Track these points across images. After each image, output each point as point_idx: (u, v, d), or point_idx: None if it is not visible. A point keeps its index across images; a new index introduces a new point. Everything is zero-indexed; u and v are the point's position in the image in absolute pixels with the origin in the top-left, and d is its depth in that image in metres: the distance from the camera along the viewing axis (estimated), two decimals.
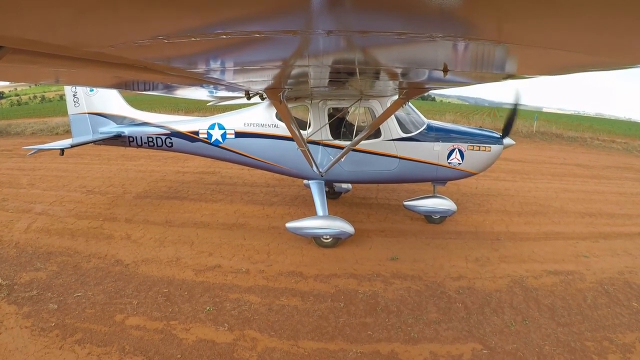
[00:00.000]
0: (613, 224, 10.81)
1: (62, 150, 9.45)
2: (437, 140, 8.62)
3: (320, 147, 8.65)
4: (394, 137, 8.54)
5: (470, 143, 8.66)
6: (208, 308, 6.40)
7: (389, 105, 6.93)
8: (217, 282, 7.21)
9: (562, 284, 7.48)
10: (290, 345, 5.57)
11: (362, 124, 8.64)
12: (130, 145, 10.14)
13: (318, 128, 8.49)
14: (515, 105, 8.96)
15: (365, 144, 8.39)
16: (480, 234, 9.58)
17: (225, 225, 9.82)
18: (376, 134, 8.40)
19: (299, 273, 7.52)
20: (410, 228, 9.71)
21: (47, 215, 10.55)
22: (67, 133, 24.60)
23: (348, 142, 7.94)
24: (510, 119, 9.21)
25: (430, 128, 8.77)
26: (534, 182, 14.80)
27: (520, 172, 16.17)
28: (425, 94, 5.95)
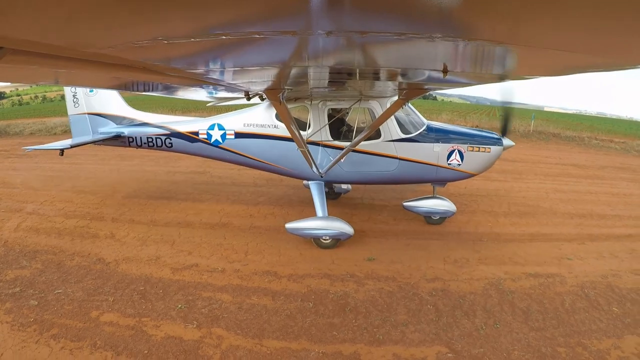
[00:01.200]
0: (602, 225, 10.76)
1: (62, 150, 9.46)
2: (436, 141, 8.62)
3: (320, 147, 8.65)
4: (394, 138, 8.54)
5: (470, 144, 8.67)
6: (180, 306, 6.51)
7: (388, 106, 6.93)
8: (192, 280, 7.32)
9: (540, 287, 7.40)
10: (254, 343, 5.66)
11: (361, 125, 8.64)
12: (130, 146, 10.15)
13: (318, 129, 8.49)
14: (509, 104, 8.98)
15: (365, 145, 8.39)
16: (463, 234, 9.56)
17: (208, 225, 9.94)
18: (376, 134, 8.40)
19: (273, 273, 7.60)
20: (392, 229, 9.73)
21: (37, 215, 10.66)
22: (65, 133, 25.05)
23: (348, 143, 7.94)
24: (506, 119, 9.23)
25: (430, 129, 8.77)
26: (526, 182, 14.75)
27: (512, 172, 16.13)
28: (426, 93, 5.94)
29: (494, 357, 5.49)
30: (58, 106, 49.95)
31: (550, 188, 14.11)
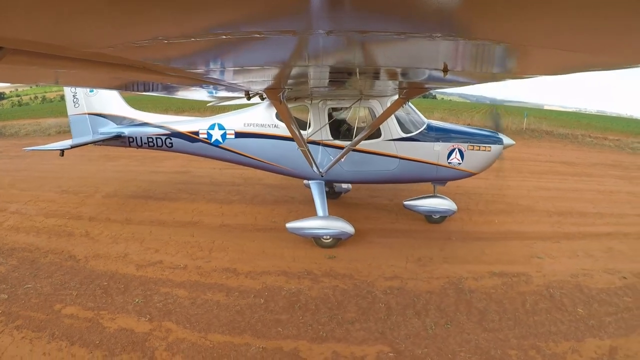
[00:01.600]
0: (582, 223, 10.72)
1: (62, 151, 9.47)
2: (437, 140, 8.63)
3: (320, 147, 8.65)
4: (394, 137, 8.54)
5: (470, 143, 8.67)
6: (137, 300, 6.75)
7: (389, 105, 6.93)
8: (154, 276, 7.52)
9: (503, 286, 7.31)
10: (199, 337, 5.82)
11: (362, 124, 8.65)
12: (130, 146, 10.15)
13: (318, 128, 8.49)
14: (498, 103, 9.03)
15: (365, 144, 8.39)
16: (432, 232, 9.55)
17: (180, 223, 10.16)
18: (376, 133, 8.40)
19: (233, 269, 7.76)
20: (361, 227, 9.58)
21: (19, 214, 10.90)
22: (59, 134, 25.44)
23: (348, 142, 7.94)
24: (495, 116, 9.27)
25: (430, 128, 8.78)
26: (509, 180, 14.50)
27: (496, 170, 15.81)
28: (426, 92, 5.95)
29: (438, 358, 5.44)
30: (56, 106, 50.00)
31: (533, 186, 14.03)
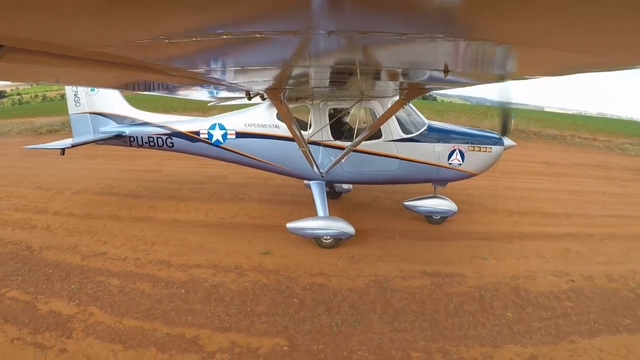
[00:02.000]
0: (543, 223, 10.49)
1: (63, 149, 9.48)
2: (437, 140, 8.62)
3: (321, 147, 8.65)
4: (395, 138, 8.54)
5: (471, 144, 8.67)
6: (73, 287, 7.17)
7: (389, 105, 6.93)
8: (95, 266, 7.90)
9: (432, 286, 7.17)
10: (115, 321, 6.19)
11: (362, 125, 8.65)
12: (131, 145, 10.15)
13: (319, 128, 8.49)
14: (507, 104, 8.98)
15: (366, 145, 8.38)
16: (377, 231, 9.52)
17: (134, 218, 10.44)
18: (377, 134, 8.39)
19: (167, 262, 8.03)
20: None
21: None
22: (50, 133, 25.71)
23: (349, 143, 7.94)
24: (504, 118, 9.23)
25: (430, 129, 8.77)
26: (478, 179, 14.05)
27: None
28: (427, 94, 5.94)
29: (332, 355, 5.43)
30: (55, 105, 50.13)
31: (503, 185, 13.68)
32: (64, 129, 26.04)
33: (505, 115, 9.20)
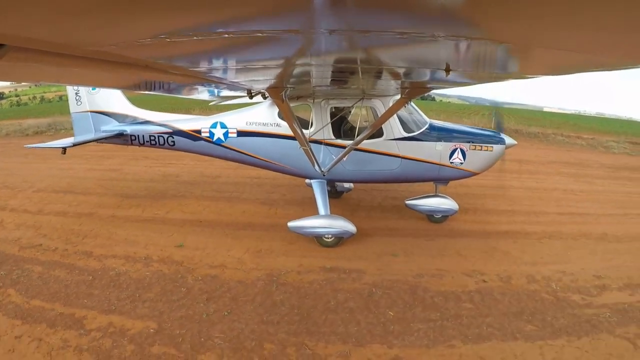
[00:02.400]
0: (481, 220, 10.34)
1: (64, 149, 9.49)
2: (439, 139, 8.62)
3: (323, 146, 8.65)
4: (396, 137, 8.54)
5: (473, 143, 8.66)
6: (1, 273, 7.65)
7: (391, 104, 6.93)
8: (28, 256, 8.35)
9: (323, 281, 7.16)
10: (24, 301, 6.70)
11: (364, 124, 8.65)
12: (132, 144, 10.16)
13: (320, 127, 8.49)
14: (500, 104, 9.01)
15: (367, 144, 8.38)
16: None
17: (77, 214, 10.79)
18: (378, 133, 8.39)
19: (89, 253, 8.43)
20: (219, 218, 10.31)
21: None
22: (37, 135, 25.97)
23: (350, 142, 7.94)
24: (498, 117, 9.24)
25: (432, 127, 8.77)
26: None
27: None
28: (426, 94, 5.95)
29: (190, 339, 5.68)
30: (53, 107, 50.25)
31: (452, 183, 13.20)
32: (49, 130, 26.95)
33: (499, 114, 9.23)
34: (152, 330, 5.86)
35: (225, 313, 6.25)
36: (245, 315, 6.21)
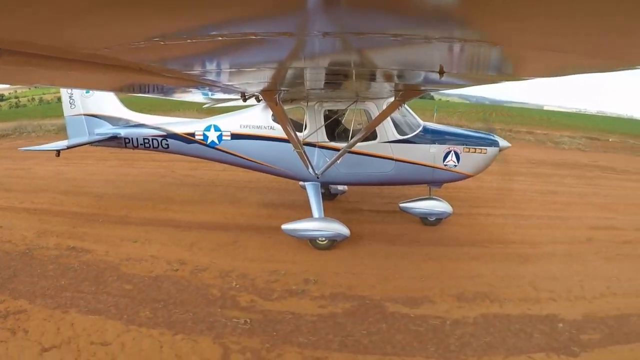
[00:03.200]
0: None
1: (58, 151, 9.48)
2: (433, 142, 8.63)
3: (316, 149, 8.64)
4: (390, 139, 8.54)
5: (466, 145, 8.67)
6: None
7: (385, 107, 6.94)
8: None
9: (169, 273, 7.50)
10: None
11: (358, 126, 8.65)
12: (126, 147, 10.13)
13: (314, 130, 8.48)
14: (494, 104, 9.03)
15: (361, 146, 8.38)
16: (187, 223, 9.89)
17: (25, 210, 11.07)
18: (372, 135, 8.39)
19: (16, 243, 8.80)
20: (130, 214, 10.60)
21: None
22: (1, 138, 26.24)
23: (344, 144, 7.94)
24: (486, 120, 9.26)
25: (426, 130, 8.78)
26: None
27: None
28: (423, 94, 5.96)
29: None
30: (51, 108, 50.14)
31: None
32: (14, 134, 27.64)
33: (487, 116, 9.24)
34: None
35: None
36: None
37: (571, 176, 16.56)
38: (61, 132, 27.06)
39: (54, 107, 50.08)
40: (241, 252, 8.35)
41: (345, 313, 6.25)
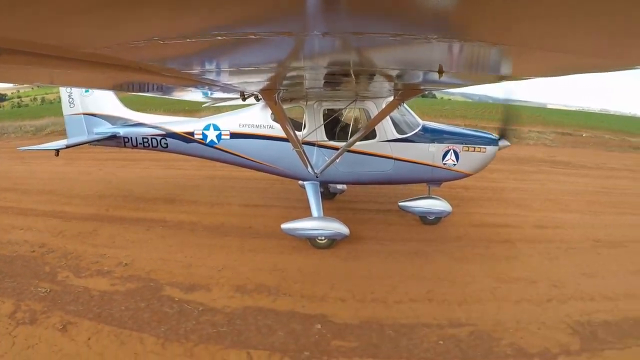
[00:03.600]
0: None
1: (57, 151, 9.47)
2: (432, 141, 8.62)
3: (315, 148, 8.64)
4: (389, 138, 8.54)
5: (465, 144, 8.67)
6: None
7: (384, 106, 6.94)
8: None
9: (27, 254, 8.22)
10: None
11: (357, 125, 8.65)
12: (125, 146, 10.13)
13: (313, 129, 8.48)
14: (508, 103, 8.99)
15: (360, 145, 8.38)
16: (147, 220, 10.15)
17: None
18: (371, 134, 8.39)
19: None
20: (77, 210, 10.99)
21: None
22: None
23: (343, 143, 7.94)
24: (507, 119, 9.23)
25: (425, 129, 8.78)
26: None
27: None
28: (426, 92, 5.96)
29: None
30: (50, 108, 50.12)
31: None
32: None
33: (508, 116, 9.21)
34: None
35: None
36: None
37: (508, 171, 16.17)
38: (38, 132, 28.09)
39: (54, 107, 50.19)
40: (94, 239, 9.05)
41: (126, 292, 6.91)
